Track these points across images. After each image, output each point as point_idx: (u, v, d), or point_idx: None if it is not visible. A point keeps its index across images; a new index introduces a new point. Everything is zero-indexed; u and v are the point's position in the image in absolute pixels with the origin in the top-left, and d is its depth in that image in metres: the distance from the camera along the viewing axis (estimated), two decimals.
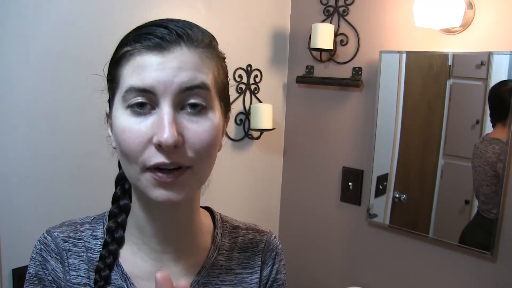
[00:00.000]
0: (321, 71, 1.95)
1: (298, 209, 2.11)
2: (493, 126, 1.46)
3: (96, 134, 1.44)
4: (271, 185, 2.14)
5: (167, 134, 0.51)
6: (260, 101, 1.96)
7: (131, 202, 0.66)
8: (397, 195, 1.72)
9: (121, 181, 0.68)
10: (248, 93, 1.93)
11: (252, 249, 0.72)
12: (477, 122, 1.50)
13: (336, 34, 1.86)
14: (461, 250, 1.56)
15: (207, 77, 0.56)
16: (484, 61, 1.45)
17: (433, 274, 1.65)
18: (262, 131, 1.92)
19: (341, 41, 1.86)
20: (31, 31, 1.27)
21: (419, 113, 1.65)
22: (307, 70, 1.99)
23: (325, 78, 1.91)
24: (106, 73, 0.61)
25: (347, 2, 1.83)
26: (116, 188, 0.68)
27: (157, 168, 0.54)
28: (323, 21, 1.90)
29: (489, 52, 1.43)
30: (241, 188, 2.00)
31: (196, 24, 0.58)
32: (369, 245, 1.84)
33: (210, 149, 0.56)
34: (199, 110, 0.55)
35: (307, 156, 2.04)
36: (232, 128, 1.91)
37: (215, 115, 0.57)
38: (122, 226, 0.65)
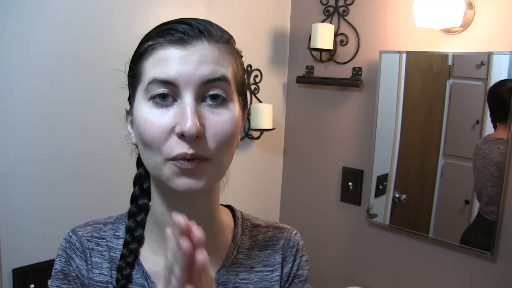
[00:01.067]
0: (321, 71, 1.95)
1: (298, 209, 2.11)
2: (495, 127, 1.46)
3: (96, 134, 1.45)
4: (271, 185, 2.14)
5: (189, 124, 0.52)
6: (260, 101, 1.96)
7: (149, 201, 0.67)
8: (397, 195, 1.72)
9: (139, 180, 0.69)
10: (248, 93, 1.93)
11: (272, 247, 0.71)
12: (477, 122, 1.50)
13: (336, 34, 1.86)
14: (461, 250, 1.56)
15: (227, 71, 0.58)
16: (484, 61, 1.45)
17: (433, 274, 1.65)
18: (262, 131, 1.92)
19: (341, 41, 1.86)
20: (31, 31, 1.27)
21: (419, 113, 1.65)
22: (307, 70, 1.99)
23: (325, 78, 1.91)
24: (127, 70, 0.63)
25: (347, 2, 1.83)
26: (134, 187, 0.69)
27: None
28: (323, 21, 1.90)
29: (489, 52, 1.43)
30: (241, 188, 2.00)
31: (215, 23, 0.61)
32: (369, 245, 1.84)
33: (230, 139, 0.58)
34: (220, 102, 0.57)
35: (307, 156, 2.04)
36: None
37: (235, 107, 0.59)
38: (142, 225, 0.66)
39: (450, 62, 1.53)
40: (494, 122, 1.46)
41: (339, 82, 1.85)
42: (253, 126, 1.88)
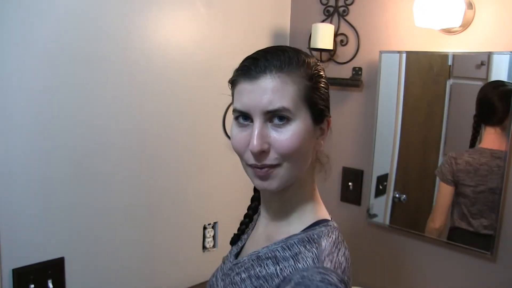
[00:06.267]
0: None
1: None
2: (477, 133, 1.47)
3: (97, 134, 1.45)
4: None
5: (253, 144, 0.69)
6: None
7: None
8: (397, 195, 1.72)
9: None
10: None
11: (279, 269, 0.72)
12: None
13: (336, 34, 1.86)
14: (461, 250, 1.56)
15: (286, 100, 0.69)
16: (484, 61, 1.45)
17: (432, 274, 1.65)
18: None
19: (341, 41, 1.86)
20: (32, 29, 1.27)
21: (419, 113, 1.65)
22: None
23: None
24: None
25: (347, 2, 1.83)
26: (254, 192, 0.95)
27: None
28: (323, 21, 1.90)
29: (489, 52, 1.43)
30: (243, 187, 2.00)
31: (286, 49, 0.72)
32: (369, 245, 1.84)
33: (294, 151, 0.70)
34: (284, 122, 0.70)
35: None
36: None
37: (299, 124, 0.70)
38: (253, 207, 0.96)
39: (450, 62, 1.53)
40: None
41: (339, 82, 1.85)
42: None
